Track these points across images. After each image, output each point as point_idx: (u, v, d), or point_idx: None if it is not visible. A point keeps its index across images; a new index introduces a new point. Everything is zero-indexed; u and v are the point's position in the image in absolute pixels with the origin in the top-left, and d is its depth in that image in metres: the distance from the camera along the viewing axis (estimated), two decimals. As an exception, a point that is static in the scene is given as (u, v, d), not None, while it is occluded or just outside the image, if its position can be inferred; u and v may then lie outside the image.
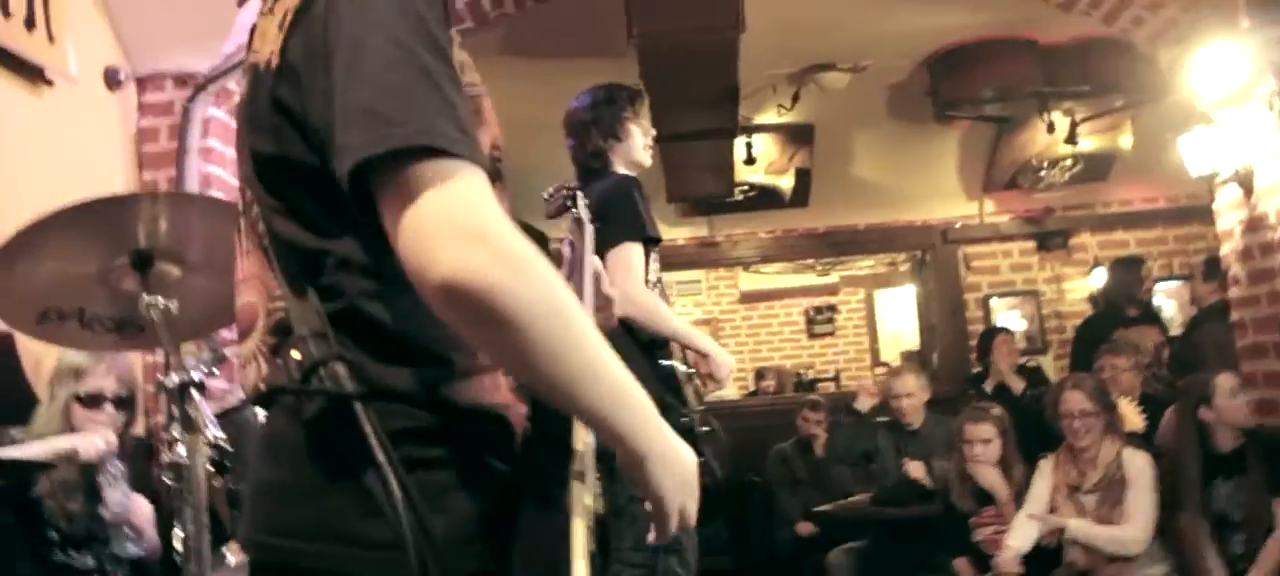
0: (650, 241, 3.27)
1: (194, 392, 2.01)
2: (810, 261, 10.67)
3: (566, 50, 5.40)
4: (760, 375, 11.30)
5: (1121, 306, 6.75)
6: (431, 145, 0.98)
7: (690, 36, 4.35)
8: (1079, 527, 4.12)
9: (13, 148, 3.47)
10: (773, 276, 11.46)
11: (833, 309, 12.06)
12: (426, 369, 1.08)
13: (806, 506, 6.34)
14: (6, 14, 3.35)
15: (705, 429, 3.37)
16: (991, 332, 7.05)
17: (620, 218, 3.20)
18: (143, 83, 4.20)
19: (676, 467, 1.13)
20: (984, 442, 4.61)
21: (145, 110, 4.20)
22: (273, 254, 1.14)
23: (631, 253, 3.18)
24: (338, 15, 1.03)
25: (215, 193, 4.15)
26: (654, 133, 3.50)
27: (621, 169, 3.40)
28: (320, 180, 1.04)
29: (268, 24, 1.12)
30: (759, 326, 12.04)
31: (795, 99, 6.61)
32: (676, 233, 8.83)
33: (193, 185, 4.10)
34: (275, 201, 1.13)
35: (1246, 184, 4.39)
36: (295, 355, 1.08)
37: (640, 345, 3.24)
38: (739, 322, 12.01)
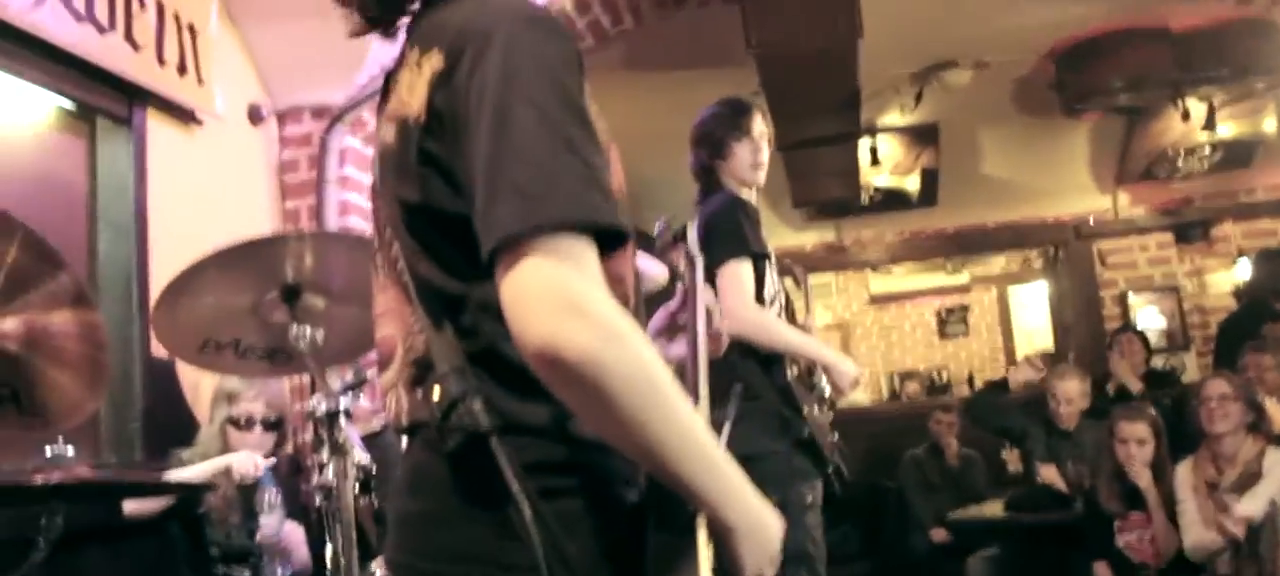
0: (758, 257, 3.31)
1: (341, 418, 2.13)
2: (940, 261, 10.52)
3: (687, 62, 5.47)
4: (905, 377, 11.18)
5: (1269, 300, 6.47)
6: (574, 221, 1.04)
7: (808, 44, 4.36)
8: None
9: (169, 184, 3.71)
10: (903, 277, 11.31)
11: (965, 308, 11.84)
12: (558, 405, 1.13)
13: (940, 512, 6.25)
14: (161, 62, 3.59)
15: (833, 438, 3.39)
16: (1116, 333, 6.84)
17: (724, 237, 3.25)
18: (283, 117, 4.42)
19: (760, 537, 1.16)
20: (1139, 442, 4.44)
21: (286, 143, 4.43)
22: (413, 292, 1.22)
23: (738, 271, 3.23)
24: (484, 80, 1.09)
25: (353, 219, 4.35)
26: (766, 151, 3.52)
27: (731, 185, 3.44)
28: (463, 229, 1.11)
29: (414, 78, 1.19)
30: (890, 328, 11.90)
31: (918, 99, 6.54)
32: (804, 238, 8.82)
33: (332, 213, 4.31)
34: (418, 245, 1.21)
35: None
36: (437, 390, 1.16)
37: (759, 361, 3.28)
38: (870, 326, 11.90)
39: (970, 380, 10.91)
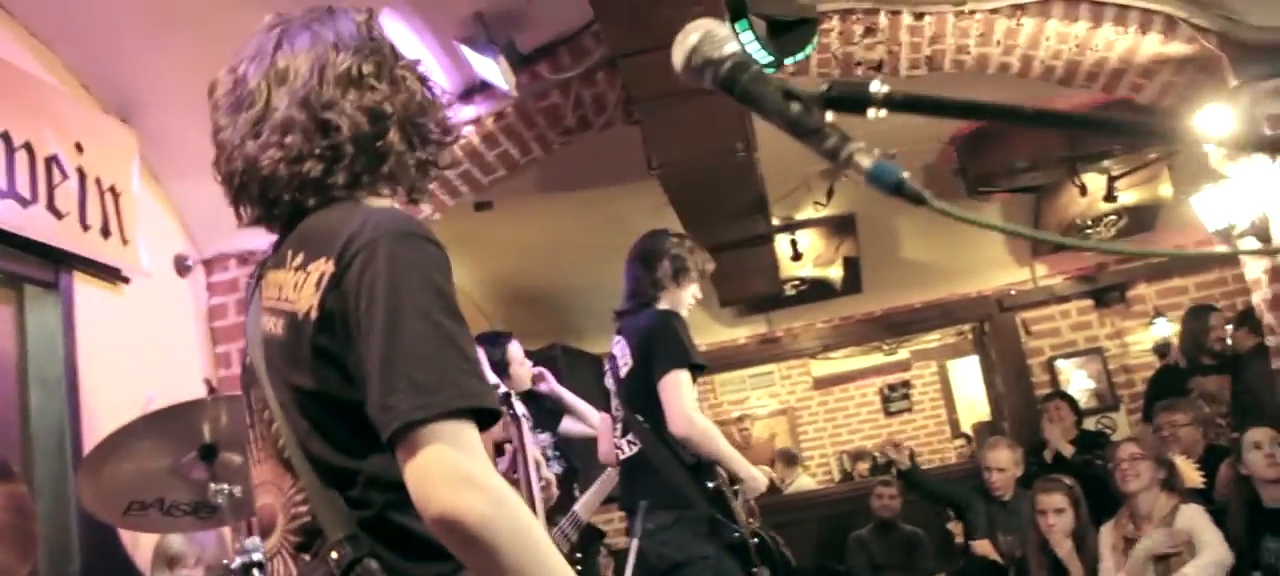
0: (696, 369, 3.50)
1: (255, 571, 2.26)
2: (876, 343, 10.76)
3: (598, 181, 5.69)
4: (856, 457, 11.33)
5: (1195, 356, 6.70)
6: (460, 408, 1.25)
7: (707, 160, 4.58)
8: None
9: (99, 341, 3.81)
10: (843, 360, 11.54)
11: (907, 384, 12.10)
12: (443, 563, 1.31)
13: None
14: (85, 227, 3.72)
15: (755, 541, 3.54)
16: (1046, 399, 7.06)
17: (665, 349, 3.45)
18: (209, 264, 4.55)
19: None
20: (1057, 512, 4.58)
21: (213, 289, 4.55)
22: (299, 466, 1.39)
23: (681, 379, 3.41)
24: (372, 288, 1.30)
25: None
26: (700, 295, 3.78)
27: (666, 304, 3.64)
28: (355, 413, 1.31)
29: (299, 279, 1.39)
30: (835, 410, 12.11)
31: (830, 193, 6.82)
32: (736, 332, 9.01)
33: (262, 355, 4.42)
34: (311, 426, 1.39)
35: (1263, 234, 4.46)
36: (334, 554, 1.34)
37: (687, 468, 3.45)
38: (816, 409, 12.10)
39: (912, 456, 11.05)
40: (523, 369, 4.51)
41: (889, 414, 12.04)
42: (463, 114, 4.42)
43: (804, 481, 10.08)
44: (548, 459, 4.66)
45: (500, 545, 1.21)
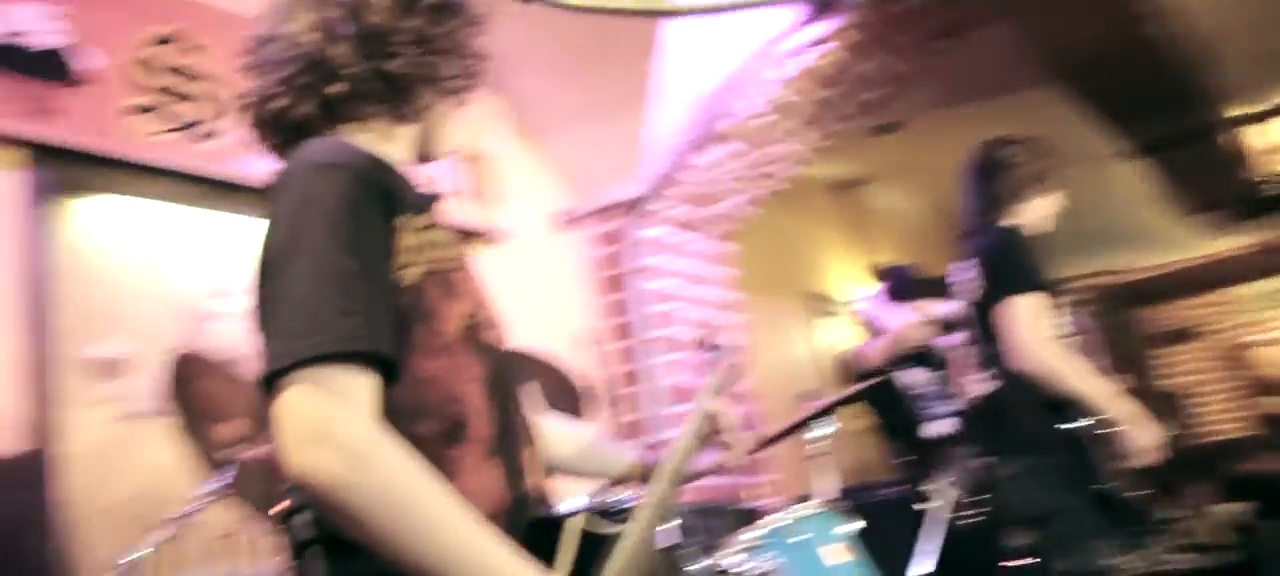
0: (1044, 290, 3.01)
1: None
2: None
3: (1008, 87, 5.15)
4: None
5: None
6: (330, 353, 1.09)
7: (1102, 45, 3.90)
8: None
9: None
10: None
11: None
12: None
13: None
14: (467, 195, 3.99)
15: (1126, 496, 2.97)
16: None
17: (1007, 271, 3.02)
18: (583, 218, 4.71)
19: None
20: None
21: (594, 241, 4.68)
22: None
23: (1020, 305, 2.96)
24: (272, 232, 1.20)
25: (654, 307, 4.50)
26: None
27: (1010, 222, 3.19)
28: None
29: None
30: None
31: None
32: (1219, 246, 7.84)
33: (638, 300, 4.50)
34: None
35: None
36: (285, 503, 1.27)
37: (1043, 405, 2.97)
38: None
39: None
40: None
41: None
42: (815, 30, 4.15)
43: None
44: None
45: (358, 510, 1.06)
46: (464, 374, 1.28)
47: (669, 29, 4.21)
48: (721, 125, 4.39)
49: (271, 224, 1.20)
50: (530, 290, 4.36)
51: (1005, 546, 2.99)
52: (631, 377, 4.48)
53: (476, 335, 1.31)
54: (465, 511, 1.12)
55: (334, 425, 1.07)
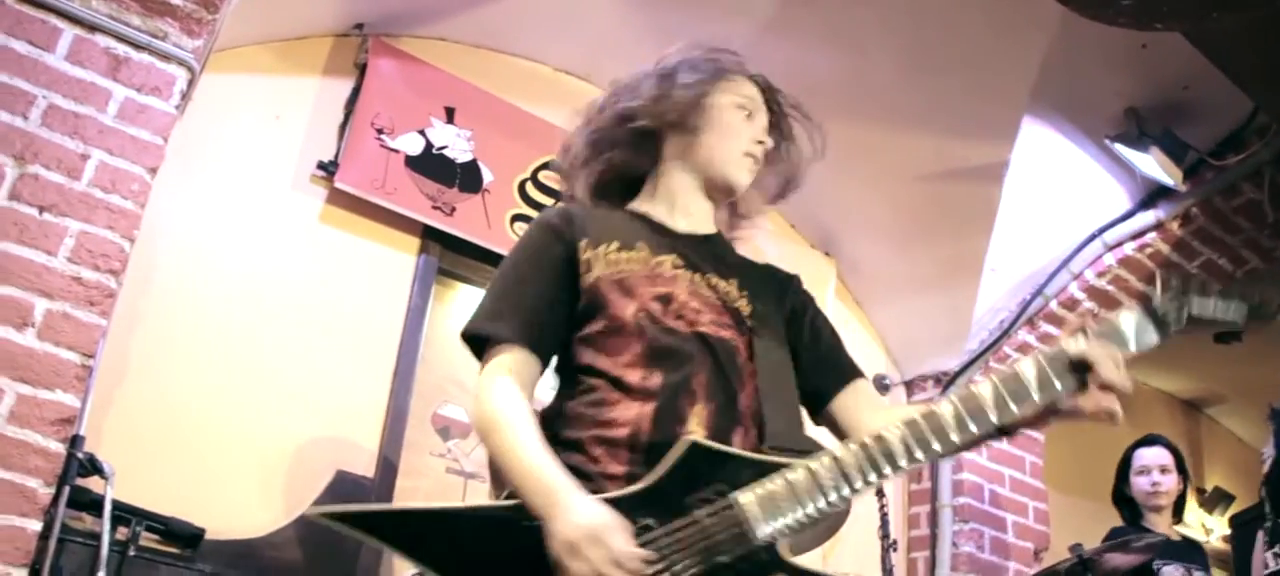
0: None
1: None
2: None
3: None
4: None
5: None
6: (474, 333, 1.69)
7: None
8: None
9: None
10: None
11: None
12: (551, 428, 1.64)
13: None
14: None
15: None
16: None
17: None
18: (909, 385, 4.82)
19: (583, 548, 1.38)
20: None
21: (916, 409, 4.75)
22: None
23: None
24: None
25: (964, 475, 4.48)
26: None
27: None
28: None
29: None
30: None
31: None
32: None
33: (947, 468, 4.52)
34: None
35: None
36: None
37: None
38: None
39: None
40: None
41: None
42: (1140, 221, 4.14)
43: None
44: None
45: (478, 433, 1.65)
46: (631, 344, 1.64)
47: (1005, 203, 4.14)
48: (1036, 308, 4.41)
49: None
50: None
51: None
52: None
53: (655, 321, 1.65)
54: (527, 435, 1.52)
55: (478, 381, 1.63)
